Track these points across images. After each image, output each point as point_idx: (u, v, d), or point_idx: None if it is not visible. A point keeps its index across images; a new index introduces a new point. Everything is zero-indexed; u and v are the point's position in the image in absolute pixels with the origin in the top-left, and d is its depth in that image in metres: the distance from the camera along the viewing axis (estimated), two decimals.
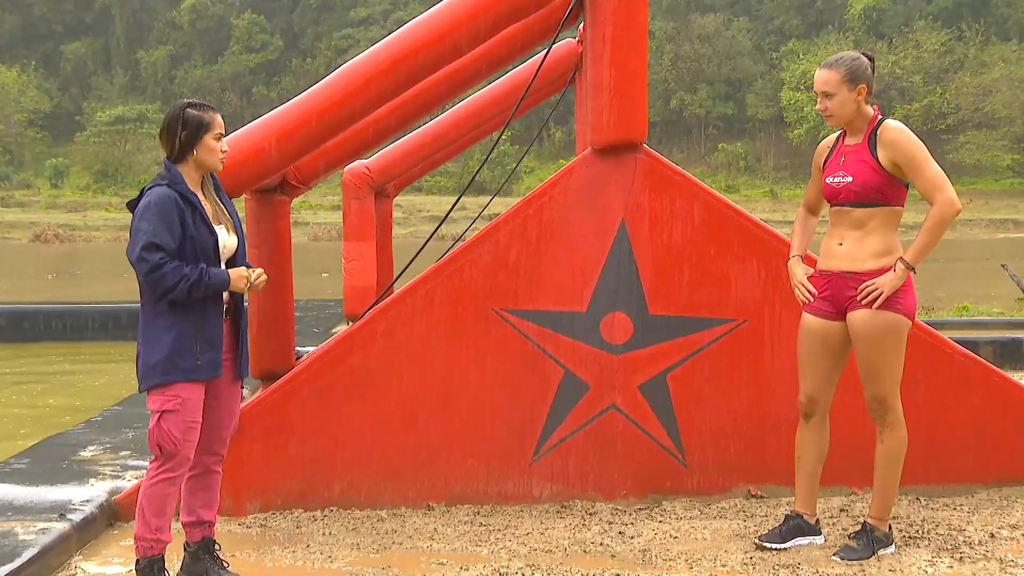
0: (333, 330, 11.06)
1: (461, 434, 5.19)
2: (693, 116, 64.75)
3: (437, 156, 9.03)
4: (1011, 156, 55.70)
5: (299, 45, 74.51)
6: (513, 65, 7.25)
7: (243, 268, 4.12)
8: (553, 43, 5.91)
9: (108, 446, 6.06)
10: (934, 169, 4.24)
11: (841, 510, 4.96)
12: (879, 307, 4.23)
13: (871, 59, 4.44)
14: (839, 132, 4.53)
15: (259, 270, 4.16)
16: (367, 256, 8.79)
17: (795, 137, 60.13)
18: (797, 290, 4.49)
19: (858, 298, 4.27)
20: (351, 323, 9.22)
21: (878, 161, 4.28)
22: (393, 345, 5.19)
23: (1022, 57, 57.96)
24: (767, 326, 5.15)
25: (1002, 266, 15.15)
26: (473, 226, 9.08)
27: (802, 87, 60.19)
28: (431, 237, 5.84)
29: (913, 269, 4.23)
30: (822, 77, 4.38)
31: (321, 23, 74.02)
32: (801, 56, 62.27)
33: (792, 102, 60.43)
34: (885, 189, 4.29)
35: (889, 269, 4.28)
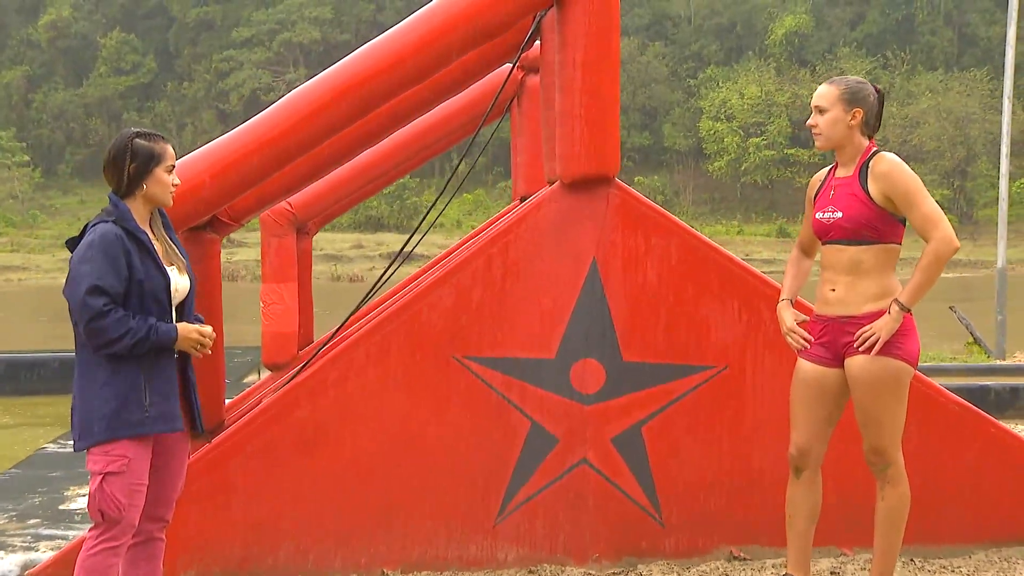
0: (245, 380, 10.94)
1: (419, 493, 5.19)
2: None
3: (364, 190, 9.04)
4: (940, 191, 57.63)
5: (175, 67, 73.71)
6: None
7: (193, 325, 4.10)
8: (513, 68, 5.99)
9: (13, 514, 5.90)
10: (929, 204, 4.37)
11: (832, 573, 5.06)
12: (878, 353, 4.35)
13: (880, 93, 4.56)
14: (831, 166, 4.65)
15: (209, 328, 4.14)
16: (288, 299, 8.72)
17: (715, 170, 61.42)
18: (789, 338, 4.61)
19: (855, 344, 4.40)
20: (268, 372, 9.13)
21: (869, 195, 4.39)
22: (345, 396, 5.18)
23: (950, 87, 60.05)
24: (749, 373, 5.27)
25: (950, 308, 15.68)
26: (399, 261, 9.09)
27: (722, 116, 61.59)
28: (381, 280, 5.84)
29: (908, 310, 4.36)
30: (821, 91, 4.54)
31: (200, 43, 73.41)
32: (720, 84, 63.76)
33: (712, 132, 61.76)
34: (878, 225, 4.39)
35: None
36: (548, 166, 6.02)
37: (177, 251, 4.21)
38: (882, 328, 4.34)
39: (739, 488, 5.29)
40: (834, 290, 4.46)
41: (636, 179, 59.54)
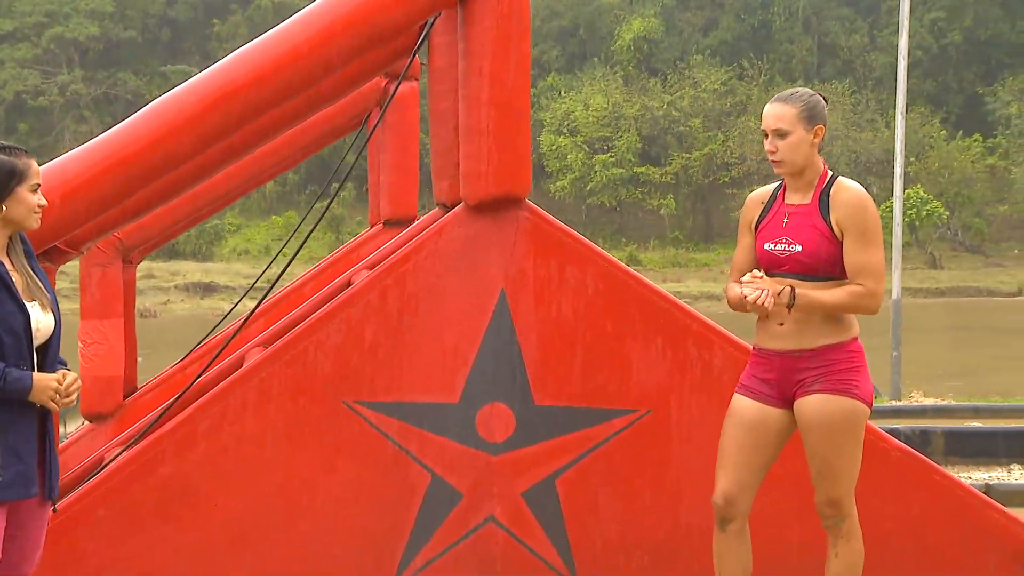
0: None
1: (304, 557, 5.17)
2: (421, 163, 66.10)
3: (202, 212, 8.92)
4: None
5: None
6: None
7: (53, 374, 4.01)
8: (401, 80, 6.05)
9: None
10: (880, 256, 4.51)
11: None
12: (835, 391, 4.46)
13: (825, 101, 4.66)
14: (775, 185, 4.74)
15: (72, 375, 4.05)
16: (112, 338, 8.53)
17: (557, 190, 62.19)
18: (746, 290, 4.44)
19: (746, 294, 4.38)
20: (88, 422, 8.89)
21: (831, 227, 4.50)
22: (218, 449, 5.14)
23: None
24: (675, 417, 5.41)
25: None
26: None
27: (564, 130, 62.54)
28: (254, 311, 5.81)
29: (792, 303, 4.39)
30: (775, 112, 4.57)
31: None
32: (563, 93, 64.80)
33: (553, 148, 62.59)
34: (841, 260, 4.50)
35: (849, 345, 4.53)
36: (439, 186, 6.10)
37: (41, 285, 4.12)
38: (772, 288, 4.37)
39: (664, 544, 5.41)
40: (783, 324, 4.56)
41: None
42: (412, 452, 5.24)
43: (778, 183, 4.75)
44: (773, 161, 4.61)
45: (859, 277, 4.46)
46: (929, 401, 13.25)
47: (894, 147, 15.97)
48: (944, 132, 60.70)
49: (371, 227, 9.61)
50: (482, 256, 5.31)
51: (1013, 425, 10.55)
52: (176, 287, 50.54)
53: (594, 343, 5.37)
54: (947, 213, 55.85)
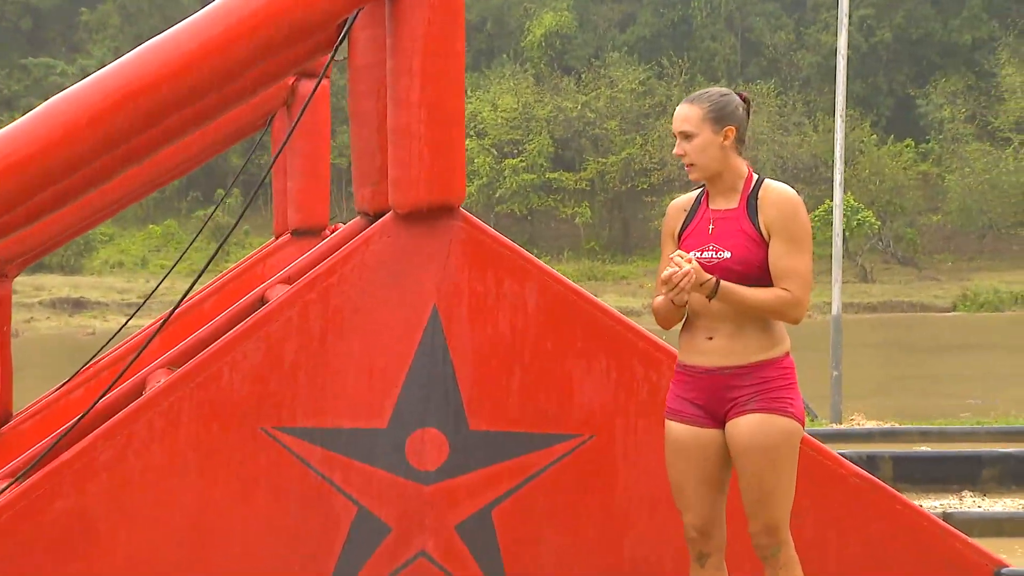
0: None
1: None
2: (331, 168, 65.82)
3: (91, 221, 8.80)
4: None
5: None
6: None
7: None
8: (321, 78, 6.04)
9: None
10: (808, 263, 4.62)
11: None
12: (772, 410, 4.55)
13: (746, 101, 4.77)
14: (698, 191, 4.83)
15: None
16: None
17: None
18: (669, 270, 4.51)
19: (668, 281, 4.46)
20: None
21: (760, 231, 4.61)
22: (122, 480, 5.08)
23: None
24: (621, 442, 5.45)
25: None
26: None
27: (471, 132, 62.65)
28: (157, 332, 5.74)
29: (714, 293, 4.50)
30: (681, 113, 4.70)
31: None
32: (469, 93, 64.96)
33: None
34: None
35: (782, 361, 4.63)
36: (360, 193, 6.09)
37: None
38: (696, 270, 4.46)
39: None
40: (712, 338, 4.65)
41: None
42: (336, 482, 5.22)
43: (701, 189, 4.84)
44: (686, 166, 4.74)
45: (784, 282, 4.57)
46: (872, 423, 13.47)
47: (833, 152, 16.18)
48: (874, 137, 61.55)
49: (276, 237, 9.56)
50: (413, 269, 5.31)
51: (963, 449, 10.78)
52: (41, 303, 49.69)
53: (534, 363, 5.39)
54: (878, 223, 56.76)
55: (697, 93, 4.78)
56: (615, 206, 64.49)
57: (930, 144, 64.29)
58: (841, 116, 15.44)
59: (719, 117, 4.65)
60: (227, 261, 57.03)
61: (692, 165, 4.69)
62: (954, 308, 50.37)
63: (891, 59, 68.44)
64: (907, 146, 63.11)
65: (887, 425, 13.06)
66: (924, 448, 11.32)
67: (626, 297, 52.19)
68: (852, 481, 5.54)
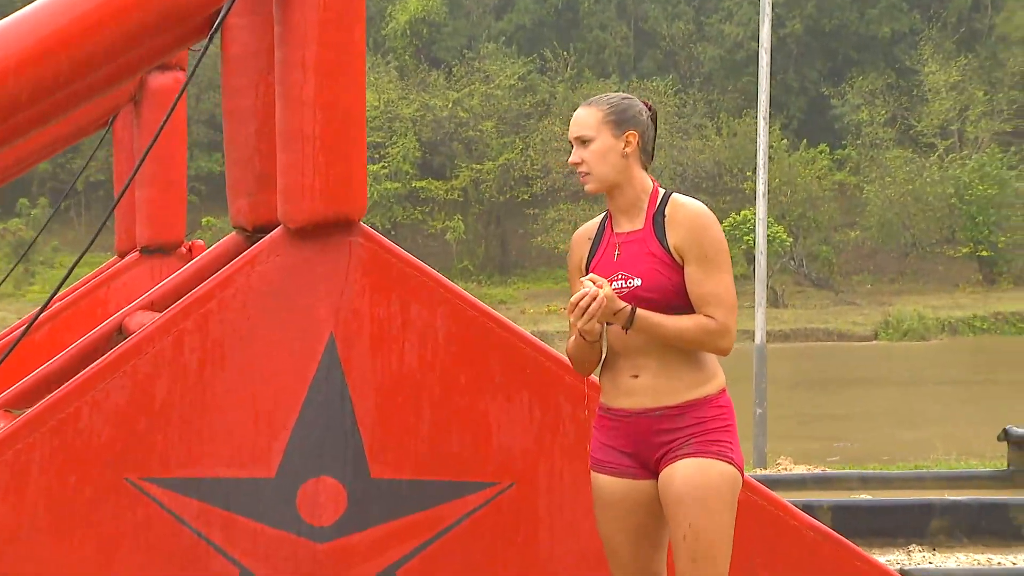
0: None
1: None
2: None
3: None
4: None
5: None
6: None
7: None
8: (193, 73, 5.99)
9: None
10: (729, 282, 4.69)
11: None
12: (709, 454, 4.56)
13: (653, 111, 4.83)
14: (602, 216, 4.87)
15: None
16: None
17: None
18: (581, 289, 4.52)
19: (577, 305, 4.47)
20: None
21: (670, 253, 4.64)
22: None
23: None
24: (544, 490, 5.46)
25: None
26: None
27: None
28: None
29: (631, 323, 4.52)
30: (577, 117, 4.76)
31: None
32: None
33: None
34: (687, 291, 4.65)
35: (718, 399, 4.65)
36: (237, 205, 6.05)
37: None
38: (609, 296, 4.47)
39: None
40: (637, 376, 4.66)
41: (205, 220, 59.25)
42: (215, 541, 5.17)
43: (603, 214, 4.88)
44: (581, 177, 4.78)
45: (707, 308, 4.61)
46: (801, 468, 13.59)
47: (740, 158, 16.27)
48: (785, 141, 61.86)
49: (121, 256, 9.46)
50: (306, 293, 5.29)
51: (909, 497, 10.89)
52: None
53: (445, 400, 5.40)
54: (790, 239, 57.44)
55: (596, 97, 4.83)
56: (491, 220, 64.57)
57: (846, 150, 65.20)
58: (764, 118, 15.46)
59: (619, 121, 4.70)
60: (31, 283, 56.33)
61: (588, 174, 4.72)
62: (875, 336, 51.03)
63: (802, 54, 69.35)
64: (821, 152, 63.78)
65: (819, 470, 13.21)
66: (865, 496, 11.47)
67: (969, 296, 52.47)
68: (808, 534, 5.62)
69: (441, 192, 62.11)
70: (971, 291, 58.95)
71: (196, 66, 5.94)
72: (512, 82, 64.12)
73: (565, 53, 66.44)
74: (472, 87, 63.90)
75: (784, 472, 13.52)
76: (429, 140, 62.94)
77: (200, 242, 9.33)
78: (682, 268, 4.63)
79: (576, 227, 4.93)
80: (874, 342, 50.09)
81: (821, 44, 69.95)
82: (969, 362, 41.08)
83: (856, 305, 57.04)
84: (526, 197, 61.22)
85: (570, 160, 4.79)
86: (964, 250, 60.84)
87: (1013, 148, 62.53)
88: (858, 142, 64.35)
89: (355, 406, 5.31)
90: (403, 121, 62.58)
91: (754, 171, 55.96)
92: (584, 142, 4.71)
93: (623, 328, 4.57)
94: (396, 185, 61.29)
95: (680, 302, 4.62)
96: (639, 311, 4.54)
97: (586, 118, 4.72)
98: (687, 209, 4.69)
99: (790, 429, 21.34)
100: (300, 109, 5.24)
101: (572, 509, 5.46)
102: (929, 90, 63.70)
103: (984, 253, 60.31)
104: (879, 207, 60.29)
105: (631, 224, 4.73)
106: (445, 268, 62.12)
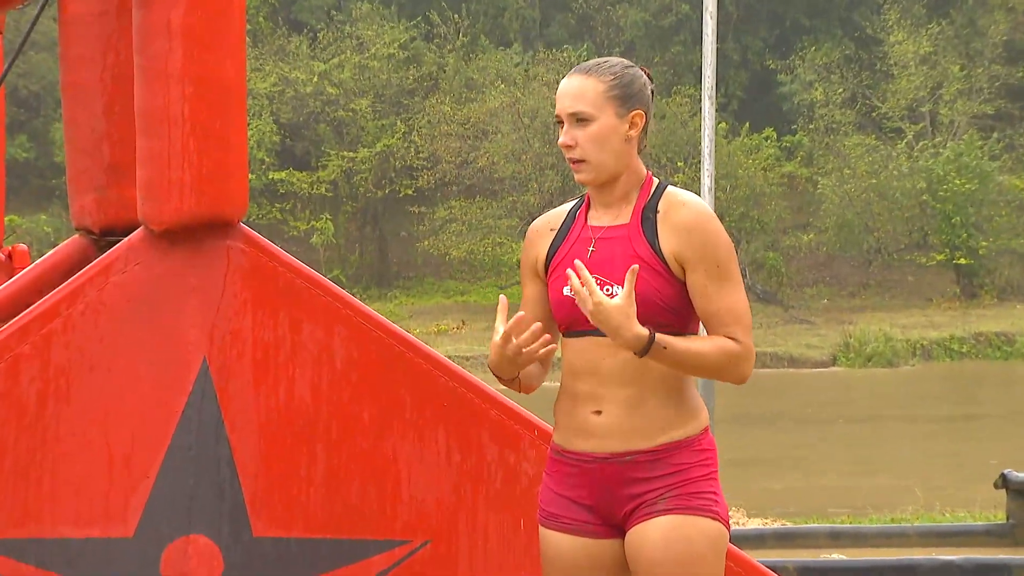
0: None
1: None
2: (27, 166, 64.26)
3: None
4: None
5: None
6: None
7: None
8: (28, 35, 5.96)
9: None
10: (742, 291, 4.63)
11: None
12: (691, 510, 4.53)
13: (650, 79, 4.72)
14: (573, 203, 4.81)
15: None
16: None
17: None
18: (500, 337, 4.53)
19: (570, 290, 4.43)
20: None
21: (662, 258, 4.57)
22: None
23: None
24: (465, 550, 5.45)
25: None
26: None
27: None
28: None
29: (649, 347, 4.38)
30: (573, 87, 4.60)
31: None
32: None
33: None
34: (678, 305, 4.59)
35: (700, 440, 4.61)
36: (80, 201, 6.00)
37: None
38: (615, 312, 4.36)
39: None
40: (600, 412, 4.59)
41: (9, 219, 58.53)
42: None
43: (576, 200, 4.82)
44: (572, 162, 4.66)
45: (724, 328, 4.53)
46: (756, 522, 13.64)
47: (671, 144, 16.28)
48: (724, 125, 61.62)
49: None
50: (173, 310, 5.27)
51: (889, 556, 10.92)
52: None
53: (343, 440, 5.39)
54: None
55: (593, 62, 4.68)
56: (368, 219, 64.19)
57: (797, 136, 65.15)
58: (710, 98, 15.16)
59: (625, 96, 4.60)
60: None
61: (584, 161, 4.60)
62: (833, 362, 51.17)
63: (744, 20, 69.29)
64: (767, 138, 63.56)
65: (779, 524, 13.26)
66: (837, 555, 11.50)
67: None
68: None
69: (305, 186, 61.45)
70: (947, 307, 59.05)
71: (28, 33, 5.91)
72: (392, 51, 63.62)
73: (456, 17, 66.14)
74: (342, 57, 63.31)
75: (738, 527, 13.50)
76: (289, 122, 62.30)
77: (22, 247, 9.25)
78: (675, 278, 4.56)
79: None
80: (832, 368, 50.17)
81: (766, 7, 70.11)
82: (946, 393, 41.40)
83: (810, 324, 57.06)
84: (410, 192, 60.85)
85: (561, 141, 4.64)
86: (939, 257, 60.89)
87: (995, 134, 62.41)
88: (811, 127, 64.17)
89: (233, 449, 5.29)
90: (257, 98, 61.63)
91: (686, 161, 55.68)
92: (580, 120, 4.58)
93: (637, 355, 4.44)
94: (251, 177, 60.64)
95: (666, 319, 4.53)
96: (659, 336, 4.41)
97: (585, 90, 4.57)
98: (689, 209, 4.62)
99: (736, 474, 21.42)
100: (165, 84, 5.20)
101: (499, 571, 5.47)
102: (895, 64, 63.57)
103: (962, 261, 60.02)
104: (837, 205, 60.11)
105: (612, 217, 4.66)
106: None
